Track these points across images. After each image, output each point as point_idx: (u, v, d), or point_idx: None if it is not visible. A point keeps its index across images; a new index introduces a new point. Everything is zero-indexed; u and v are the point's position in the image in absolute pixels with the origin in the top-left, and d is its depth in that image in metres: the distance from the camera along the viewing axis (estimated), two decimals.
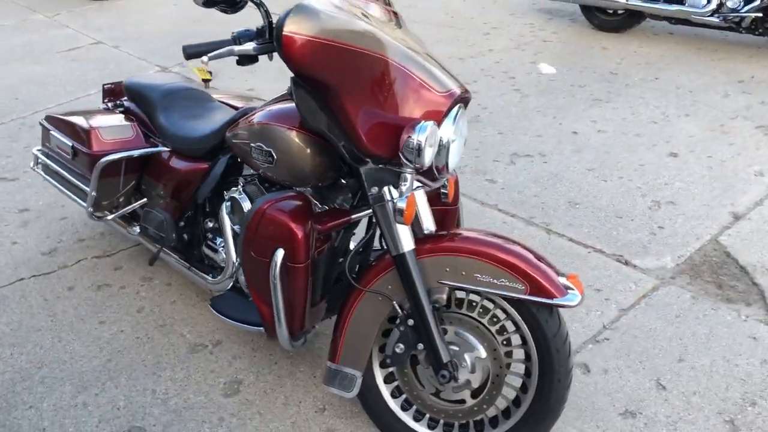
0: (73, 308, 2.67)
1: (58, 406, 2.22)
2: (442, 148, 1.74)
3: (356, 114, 1.65)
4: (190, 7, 6.65)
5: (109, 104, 2.73)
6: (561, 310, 1.81)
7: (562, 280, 1.74)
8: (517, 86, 4.53)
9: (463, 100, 1.81)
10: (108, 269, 2.89)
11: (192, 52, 1.73)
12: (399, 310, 1.82)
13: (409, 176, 1.71)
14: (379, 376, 1.96)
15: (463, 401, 1.88)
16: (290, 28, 1.57)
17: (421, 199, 1.93)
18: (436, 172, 1.79)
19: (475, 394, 1.86)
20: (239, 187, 2.13)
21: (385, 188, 1.75)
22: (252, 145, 1.96)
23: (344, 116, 1.65)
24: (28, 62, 5.54)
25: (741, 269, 2.69)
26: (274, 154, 1.90)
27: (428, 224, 1.92)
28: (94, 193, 2.48)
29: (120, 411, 2.19)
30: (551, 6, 6.19)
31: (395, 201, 1.71)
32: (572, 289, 1.73)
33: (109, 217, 2.61)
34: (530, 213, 3.13)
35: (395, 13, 1.94)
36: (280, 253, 1.80)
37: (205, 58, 1.70)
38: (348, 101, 1.64)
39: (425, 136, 1.61)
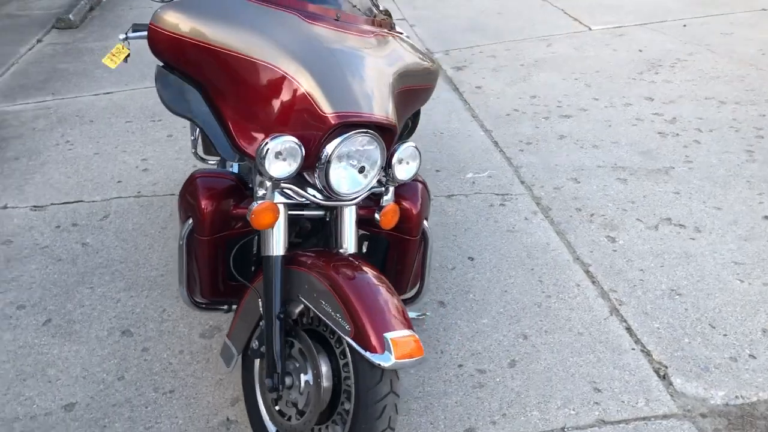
0: (178, 229, 3.22)
1: (104, 295, 2.78)
2: (319, 169, 1.74)
3: (229, 112, 1.75)
4: (502, 2, 6.83)
5: None
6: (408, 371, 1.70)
7: (393, 337, 1.63)
8: (755, 149, 3.77)
9: (378, 126, 1.77)
10: None
11: (137, 28, 1.98)
12: (261, 310, 1.90)
13: (268, 183, 1.75)
14: (257, 365, 2.06)
15: (290, 418, 1.89)
16: (157, 22, 1.72)
17: (347, 217, 1.94)
18: (325, 191, 1.80)
19: (300, 414, 1.86)
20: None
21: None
22: None
23: (216, 111, 1.76)
24: None
25: None
26: None
27: (345, 244, 1.94)
28: (192, 137, 2.95)
29: (132, 315, 2.66)
30: None
31: (252, 204, 1.77)
32: (390, 352, 1.62)
33: (211, 161, 3.07)
34: (614, 285, 2.72)
35: (379, 27, 1.94)
36: (189, 222, 2.01)
37: (122, 35, 1.93)
38: (220, 99, 1.75)
39: (269, 148, 1.65)
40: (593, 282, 2.75)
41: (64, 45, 6.08)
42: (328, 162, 1.73)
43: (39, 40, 6.17)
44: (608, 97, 4.51)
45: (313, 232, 2.21)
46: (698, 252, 2.91)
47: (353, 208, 1.94)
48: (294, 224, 2.14)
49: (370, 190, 1.90)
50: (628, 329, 2.50)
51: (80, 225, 3.27)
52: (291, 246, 2.16)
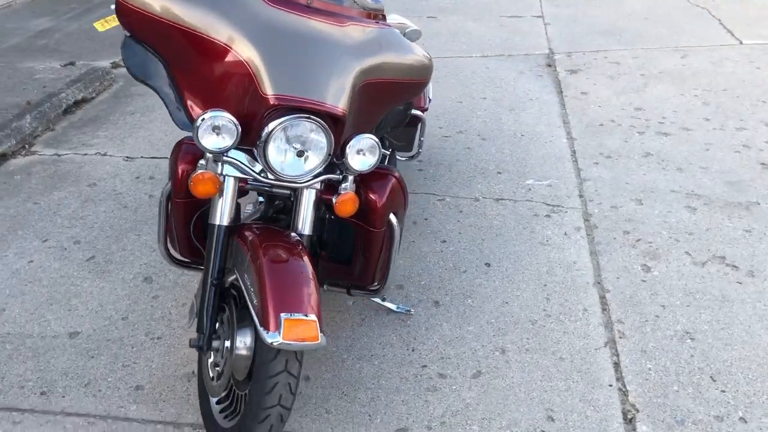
0: None
1: (145, 243, 3.07)
2: (259, 147, 1.82)
3: (184, 84, 1.87)
4: (654, 6, 6.41)
5: None
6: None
7: (289, 318, 1.69)
8: None
9: (324, 113, 1.81)
10: None
11: None
12: None
13: (208, 154, 1.85)
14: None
15: (213, 379, 2.00)
16: None
17: (304, 199, 2.01)
18: (269, 170, 1.88)
19: (219, 377, 1.97)
20: None
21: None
22: None
23: (174, 82, 1.89)
24: (464, 18, 6.33)
25: None
26: None
27: (300, 225, 2.01)
28: None
29: (160, 264, 2.91)
30: None
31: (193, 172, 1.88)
32: (280, 331, 1.68)
33: None
34: (624, 316, 2.53)
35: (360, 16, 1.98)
36: (169, 184, 2.17)
37: (113, 6, 2.07)
38: (177, 71, 1.87)
39: (203, 121, 1.75)
40: (603, 309, 2.58)
41: None
42: (266, 142, 1.80)
43: None
44: (722, 119, 4.11)
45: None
46: (738, 298, 2.61)
47: (312, 191, 2.00)
48: (273, 200, 2.25)
49: (323, 176, 1.95)
50: (616, 364, 2.32)
51: (156, 179, 3.60)
52: (269, 220, 2.29)
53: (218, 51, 1.82)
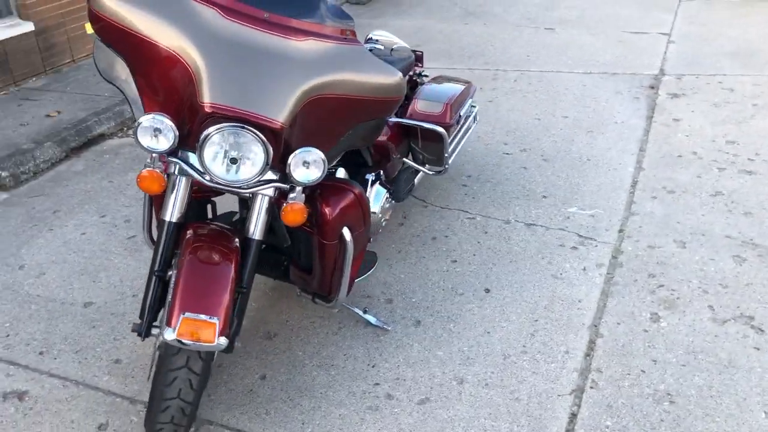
0: None
1: None
2: (197, 152, 1.92)
3: (142, 87, 2.01)
4: None
5: None
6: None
7: (188, 318, 1.79)
8: None
9: (262, 125, 1.88)
10: None
11: None
12: None
13: (153, 154, 1.97)
14: None
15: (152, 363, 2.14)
16: (92, 3, 2.00)
17: (256, 204, 2.09)
18: (207, 174, 1.97)
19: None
20: None
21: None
22: None
23: (136, 85, 2.03)
24: (583, 31, 6.05)
25: None
26: None
27: (251, 228, 2.09)
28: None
29: None
30: None
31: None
32: (175, 329, 1.78)
33: None
34: (606, 366, 2.35)
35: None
36: None
37: None
38: (137, 74, 2.01)
39: (141, 122, 1.88)
40: (587, 355, 2.41)
41: None
42: (202, 147, 1.90)
43: None
44: None
45: None
46: (747, 365, 2.32)
47: (265, 197, 2.06)
48: (245, 202, 2.35)
49: (273, 183, 2.00)
50: (573, 415, 2.17)
51: None
52: (244, 221, 2.39)
53: (169, 59, 1.94)
